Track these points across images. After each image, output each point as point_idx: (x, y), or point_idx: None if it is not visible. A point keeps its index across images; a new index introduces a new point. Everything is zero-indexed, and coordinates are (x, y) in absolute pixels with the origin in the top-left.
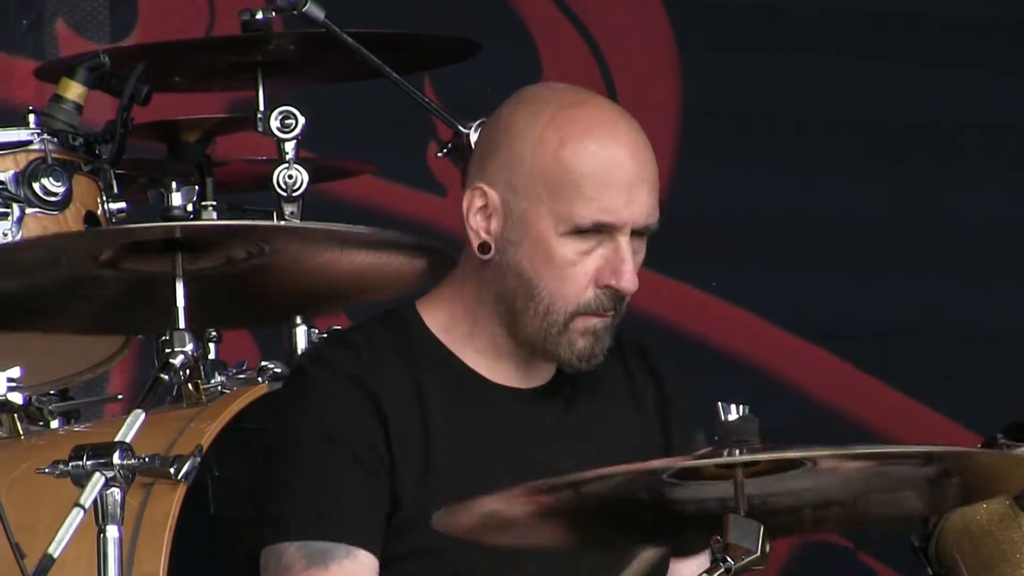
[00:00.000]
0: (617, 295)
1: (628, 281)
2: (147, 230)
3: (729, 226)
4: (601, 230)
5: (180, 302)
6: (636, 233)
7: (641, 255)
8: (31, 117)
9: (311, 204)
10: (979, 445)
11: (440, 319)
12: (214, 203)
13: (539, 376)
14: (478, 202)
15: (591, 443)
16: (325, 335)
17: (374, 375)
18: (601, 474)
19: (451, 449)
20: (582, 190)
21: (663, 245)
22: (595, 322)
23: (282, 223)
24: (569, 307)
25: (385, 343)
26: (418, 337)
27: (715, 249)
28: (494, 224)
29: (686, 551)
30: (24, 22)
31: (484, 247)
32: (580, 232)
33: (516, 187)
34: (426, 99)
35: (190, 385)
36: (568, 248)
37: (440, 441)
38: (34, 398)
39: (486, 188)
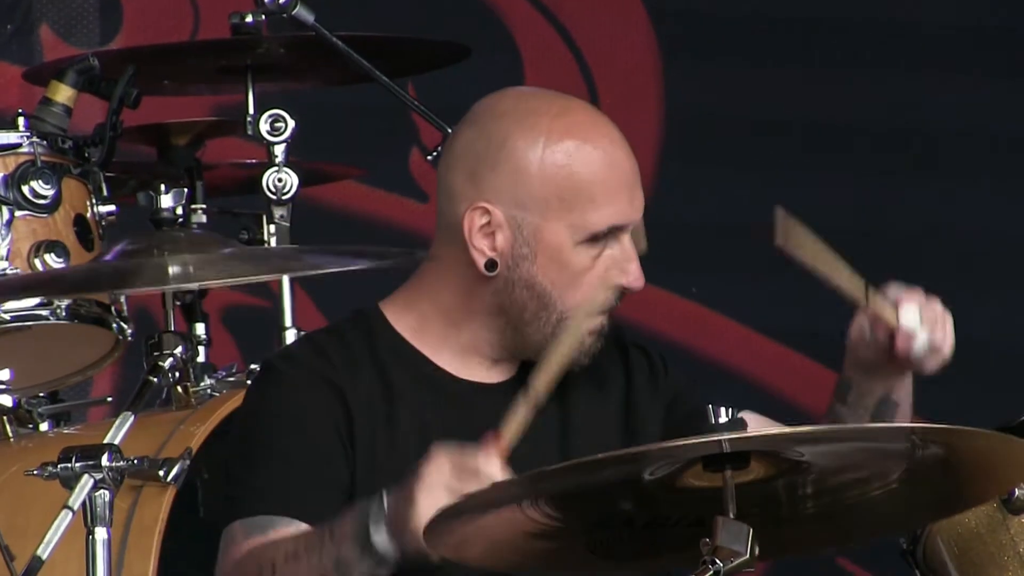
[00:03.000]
0: (623, 292)
1: (637, 278)
2: None
3: (710, 232)
4: (612, 232)
5: (170, 304)
6: None
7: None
8: (20, 120)
9: (294, 209)
10: None
11: (408, 321)
12: (204, 206)
13: (505, 371)
14: (480, 220)
15: (560, 433)
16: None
17: (344, 374)
18: (584, 461)
19: (421, 445)
20: (595, 197)
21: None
22: (602, 319)
23: None
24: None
25: (354, 343)
26: (385, 339)
27: (696, 255)
28: (500, 240)
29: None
30: (9, 27)
31: (491, 264)
32: (595, 238)
33: (524, 203)
34: (416, 103)
35: (179, 388)
36: (583, 255)
37: (410, 438)
38: (24, 400)
39: (488, 206)
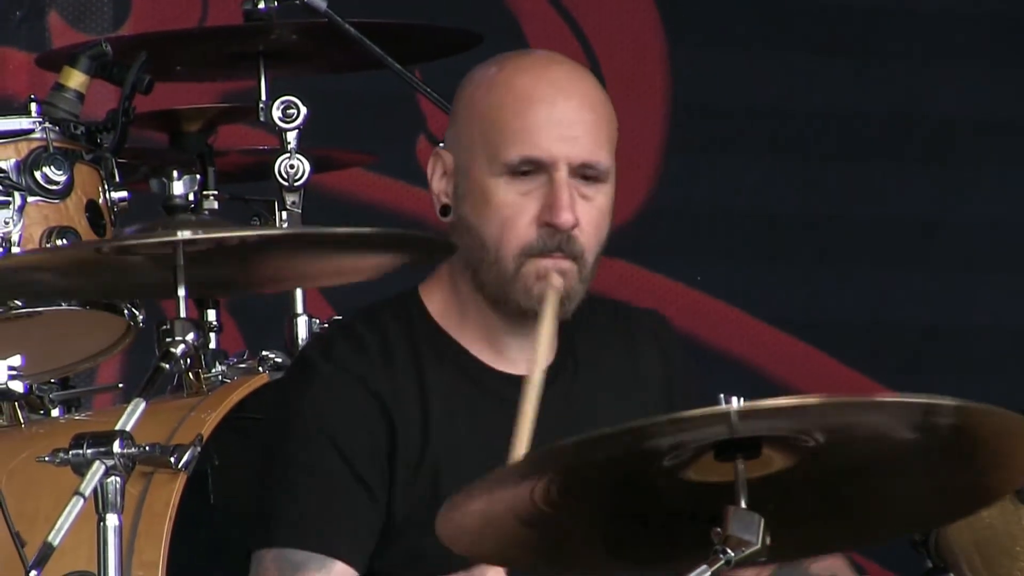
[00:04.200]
0: (560, 234)
1: (562, 216)
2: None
3: (715, 221)
4: (535, 169)
5: (181, 292)
6: (583, 176)
7: (598, 202)
8: (33, 106)
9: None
10: None
11: (438, 304)
12: (215, 192)
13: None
14: (438, 168)
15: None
16: (327, 325)
17: (383, 375)
18: (586, 438)
19: (453, 450)
20: (509, 126)
21: (649, 239)
22: (545, 264)
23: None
24: (513, 251)
25: (393, 335)
26: (421, 325)
27: (700, 243)
28: (450, 184)
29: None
30: (18, 13)
31: (444, 210)
32: (513, 172)
33: (459, 139)
34: (429, 90)
35: (191, 374)
36: (505, 190)
37: (443, 441)
38: (35, 386)
39: (441, 151)
